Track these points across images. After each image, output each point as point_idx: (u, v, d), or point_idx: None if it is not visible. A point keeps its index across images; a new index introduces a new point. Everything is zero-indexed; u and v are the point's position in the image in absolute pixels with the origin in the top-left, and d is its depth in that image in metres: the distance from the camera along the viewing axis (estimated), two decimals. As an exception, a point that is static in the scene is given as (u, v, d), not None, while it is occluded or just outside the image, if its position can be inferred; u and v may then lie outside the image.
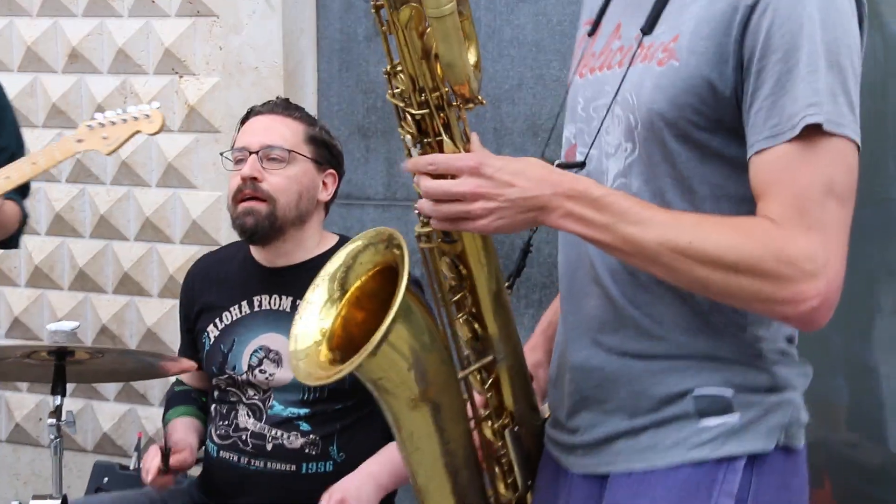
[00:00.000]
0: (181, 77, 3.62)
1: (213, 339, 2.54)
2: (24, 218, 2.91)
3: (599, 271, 1.53)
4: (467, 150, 1.50)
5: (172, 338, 3.62)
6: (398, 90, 1.52)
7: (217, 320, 2.55)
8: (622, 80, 1.51)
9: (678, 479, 1.49)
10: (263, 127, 2.51)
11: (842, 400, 3.00)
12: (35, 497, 2.22)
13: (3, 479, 3.99)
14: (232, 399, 2.51)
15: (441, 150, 1.50)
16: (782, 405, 1.51)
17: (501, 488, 1.70)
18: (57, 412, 2.30)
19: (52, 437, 2.32)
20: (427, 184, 1.46)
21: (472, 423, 1.68)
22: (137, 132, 2.77)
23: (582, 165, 1.57)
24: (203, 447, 2.58)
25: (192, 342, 2.63)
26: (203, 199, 3.62)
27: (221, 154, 2.58)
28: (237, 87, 3.55)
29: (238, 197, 2.47)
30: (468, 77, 1.48)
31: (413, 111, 1.50)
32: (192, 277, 2.67)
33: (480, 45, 1.55)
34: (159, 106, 2.79)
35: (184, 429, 2.53)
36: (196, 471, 2.68)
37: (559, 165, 1.57)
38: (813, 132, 1.37)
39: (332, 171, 2.56)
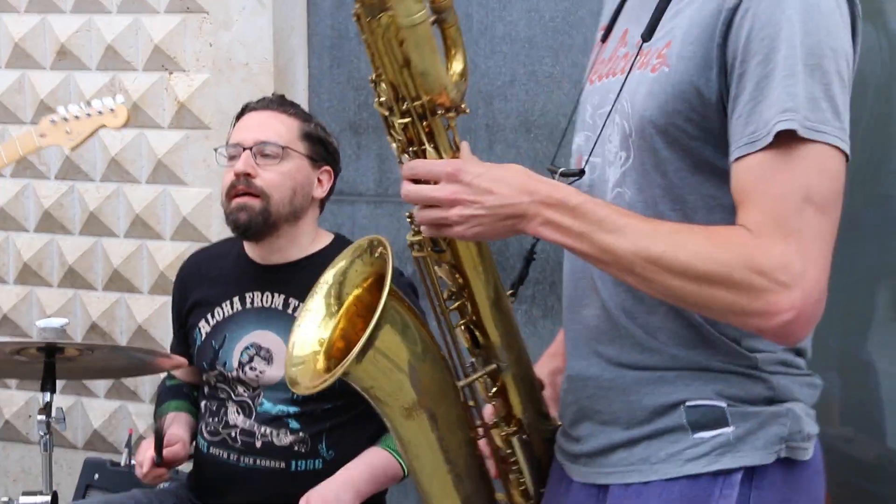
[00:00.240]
0: (171, 74, 3.61)
1: (204, 335, 2.54)
2: None
3: (597, 281, 1.53)
4: (454, 158, 1.49)
5: (163, 335, 3.61)
6: (383, 99, 1.51)
7: (209, 316, 2.54)
8: (621, 88, 1.50)
9: (674, 493, 1.47)
10: (258, 123, 2.50)
11: (837, 395, 3.01)
12: (25, 493, 2.21)
13: (-8, 476, 3.98)
14: (222, 395, 2.50)
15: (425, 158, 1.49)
16: (781, 417, 1.47)
17: (516, 495, 1.70)
18: (46, 409, 2.29)
19: (42, 433, 2.31)
20: (407, 188, 1.46)
21: (481, 431, 1.68)
22: (102, 126, 2.76)
23: (581, 174, 1.56)
24: (193, 443, 2.57)
25: (183, 337, 2.63)
26: (193, 196, 3.61)
27: (216, 150, 2.57)
28: (227, 84, 3.54)
29: (231, 193, 2.46)
30: (444, 86, 1.47)
31: (396, 120, 1.50)
32: (185, 273, 2.66)
33: (472, 41, 1.55)
34: (123, 101, 2.77)
35: (176, 423, 2.53)
36: (186, 468, 2.68)
37: (561, 174, 1.56)
38: (789, 139, 1.34)
39: (327, 167, 2.56)
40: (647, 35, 1.49)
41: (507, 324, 1.61)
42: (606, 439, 1.53)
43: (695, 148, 1.43)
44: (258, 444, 2.44)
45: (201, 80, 3.57)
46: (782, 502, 1.48)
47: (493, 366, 1.61)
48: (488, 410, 1.67)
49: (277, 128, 2.49)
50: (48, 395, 2.33)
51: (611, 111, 1.52)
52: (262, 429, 2.44)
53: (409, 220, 1.54)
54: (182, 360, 2.47)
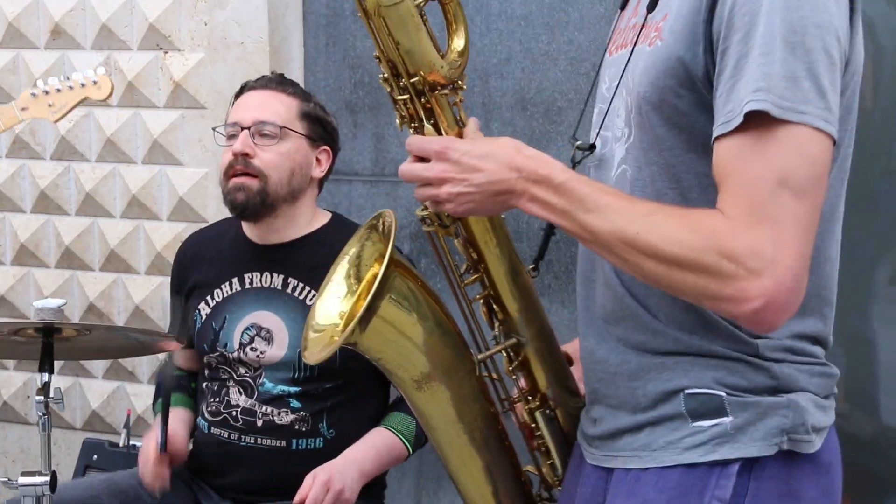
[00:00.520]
0: (166, 53, 3.59)
1: (204, 317, 2.54)
2: None
3: (604, 260, 1.51)
4: (459, 135, 1.50)
5: (160, 315, 3.62)
6: (386, 76, 1.53)
7: (208, 297, 2.54)
8: (627, 61, 1.48)
9: (670, 481, 1.45)
10: (256, 102, 2.49)
11: (841, 371, 3.02)
12: (24, 474, 2.21)
13: (-10, 457, 3.99)
14: (223, 376, 2.50)
15: (423, 134, 1.51)
16: (781, 408, 1.43)
17: (545, 469, 1.72)
18: (45, 389, 2.29)
19: (41, 413, 2.31)
20: (402, 167, 1.48)
21: (505, 405, 1.69)
22: (86, 98, 2.73)
23: (592, 148, 1.55)
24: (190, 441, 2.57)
25: (183, 321, 2.62)
26: (189, 176, 3.60)
27: (214, 129, 2.56)
28: (222, 63, 3.53)
29: (229, 172, 2.45)
30: (432, 64, 1.48)
31: (396, 96, 1.52)
32: (183, 255, 2.66)
33: (468, 19, 1.55)
34: (105, 70, 2.75)
35: (177, 421, 2.52)
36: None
37: (577, 147, 1.57)
38: (764, 120, 1.29)
39: (326, 147, 2.55)
40: (651, 6, 1.47)
41: (525, 298, 1.62)
42: (615, 423, 1.53)
43: (686, 125, 1.41)
44: (259, 422, 2.44)
45: (196, 60, 3.56)
46: (785, 496, 1.44)
47: (514, 340, 1.62)
48: (520, 385, 1.68)
49: (276, 107, 2.48)
50: (46, 375, 2.32)
51: (618, 85, 1.51)
52: (264, 408, 2.45)
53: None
54: (176, 343, 2.46)
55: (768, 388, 1.44)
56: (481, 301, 1.62)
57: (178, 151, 3.61)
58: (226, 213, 2.59)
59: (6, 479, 2.46)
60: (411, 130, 1.53)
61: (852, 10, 1.38)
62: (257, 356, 2.46)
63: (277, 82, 2.53)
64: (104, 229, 3.73)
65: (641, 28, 1.48)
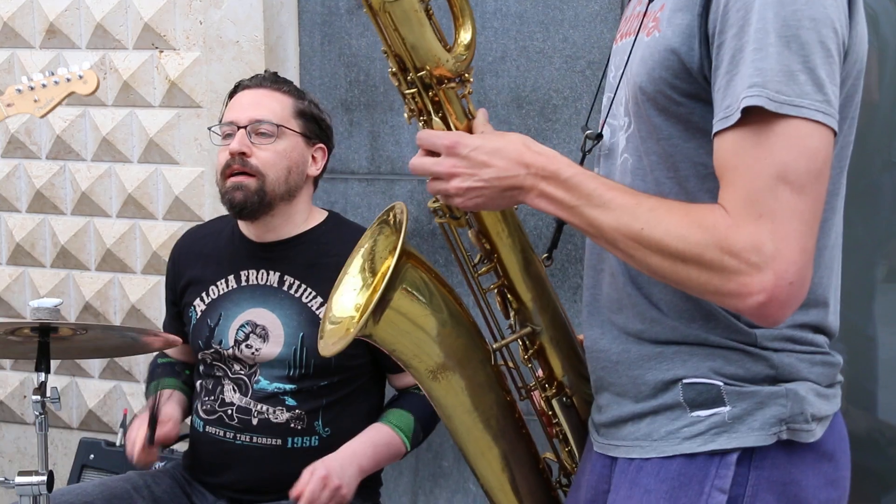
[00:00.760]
0: (161, 52, 3.59)
1: (199, 314, 2.54)
2: None
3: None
4: (468, 128, 1.52)
5: (156, 314, 3.61)
6: (394, 70, 1.55)
7: (204, 294, 2.54)
8: (630, 51, 1.49)
9: (671, 471, 1.47)
10: (251, 101, 2.49)
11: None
12: (21, 473, 2.20)
13: (-13, 457, 3.98)
14: (218, 374, 2.50)
15: (433, 128, 1.53)
16: (779, 397, 1.44)
17: (563, 456, 1.75)
18: (41, 388, 2.28)
19: (37, 413, 2.30)
20: (412, 161, 1.50)
21: (522, 394, 1.71)
22: (72, 93, 2.73)
23: (600, 137, 1.57)
24: (188, 420, 2.57)
25: (177, 316, 2.63)
26: (185, 175, 3.60)
27: (210, 128, 2.56)
28: (218, 62, 3.52)
29: (226, 172, 2.45)
30: (437, 58, 1.50)
31: (404, 90, 1.54)
32: (179, 251, 2.66)
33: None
34: (91, 66, 2.74)
35: (169, 401, 2.53)
36: (182, 447, 2.68)
37: (587, 136, 1.58)
38: (761, 115, 1.30)
39: (321, 145, 2.55)
40: None
41: (538, 287, 1.64)
42: (620, 410, 1.54)
43: (683, 114, 1.42)
44: (254, 421, 2.44)
45: (192, 59, 3.56)
46: (787, 485, 1.44)
47: (528, 329, 1.64)
48: (539, 374, 1.70)
49: (272, 106, 2.48)
50: (42, 374, 2.32)
51: (622, 74, 1.52)
52: (259, 406, 2.45)
53: None
54: (176, 338, 2.47)
55: (767, 377, 1.44)
56: (496, 291, 1.64)
57: (173, 150, 3.61)
58: (222, 212, 2.59)
59: (3, 479, 2.45)
60: (420, 124, 1.55)
61: (851, 4, 1.38)
62: (252, 353, 2.46)
63: (272, 81, 2.54)
64: (100, 228, 3.72)
65: (643, 17, 1.49)
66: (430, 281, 1.65)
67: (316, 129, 2.53)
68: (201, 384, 2.54)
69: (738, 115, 1.31)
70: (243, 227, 2.55)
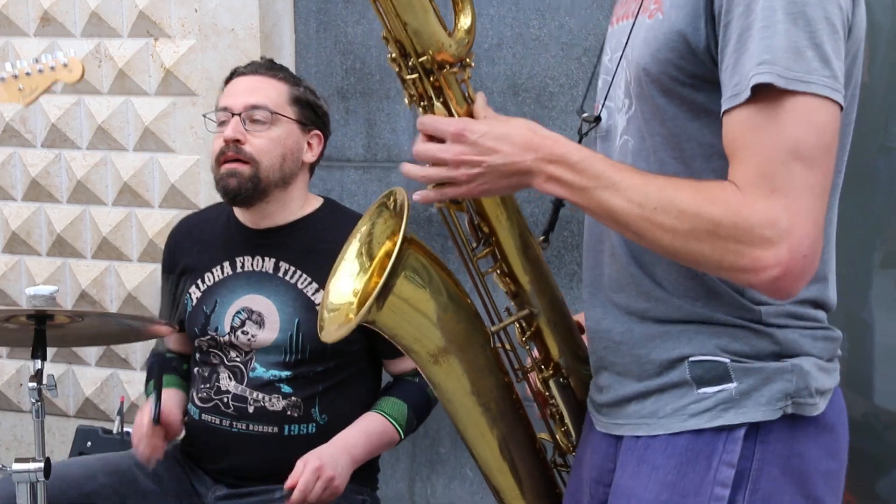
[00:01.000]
0: (156, 40, 3.58)
1: (195, 301, 2.54)
2: None
3: (610, 228, 1.53)
4: (469, 112, 1.52)
5: (153, 302, 3.61)
6: (394, 56, 1.55)
7: (199, 281, 2.54)
8: (629, 33, 1.50)
9: (678, 447, 1.48)
10: (247, 88, 2.48)
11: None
12: (18, 460, 2.21)
13: (-16, 445, 3.99)
14: (214, 361, 2.50)
15: (434, 113, 1.53)
16: (785, 373, 1.46)
17: (559, 436, 1.76)
18: (38, 376, 2.29)
19: (34, 401, 2.31)
20: (417, 146, 1.49)
21: (519, 375, 1.73)
22: (56, 81, 2.71)
23: (598, 120, 1.57)
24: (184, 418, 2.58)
25: (173, 303, 2.62)
26: (181, 163, 3.60)
27: (205, 115, 2.56)
28: (213, 50, 3.52)
29: (221, 159, 2.45)
30: (441, 43, 1.50)
31: (405, 76, 1.54)
32: (175, 238, 2.65)
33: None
34: (75, 53, 2.73)
35: (170, 401, 2.52)
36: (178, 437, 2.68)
37: (584, 119, 1.59)
38: (770, 92, 1.31)
39: (317, 132, 2.55)
40: None
41: (536, 270, 1.64)
42: (622, 390, 1.55)
43: (688, 95, 1.43)
44: (251, 409, 2.45)
45: (187, 47, 3.55)
46: (790, 458, 1.47)
47: (526, 311, 1.66)
48: (534, 355, 1.71)
49: (267, 92, 2.48)
50: (39, 362, 2.32)
51: (621, 57, 1.53)
52: (255, 394, 2.45)
53: None
54: (169, 329, 2.47)
55: (772, 353, 1.46)
56: (495, 273, 1.64)
57: (169, 138, 3.61)
58: (218, 200, 2.59)
59: (1, 466, 2.46)
60: (420, 109, 1.55)
61: None
62: (248, 339, 2.46)
63: (267, 67, 2.53)
64: (96, 217, 3.72)
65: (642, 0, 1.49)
66: (429, 265, 1.65)
67: (312, 115, 2.53)
68: (198, 371, 2.54)
69: (748, 93, 1.32)
70: (239, 213, 2.55)
